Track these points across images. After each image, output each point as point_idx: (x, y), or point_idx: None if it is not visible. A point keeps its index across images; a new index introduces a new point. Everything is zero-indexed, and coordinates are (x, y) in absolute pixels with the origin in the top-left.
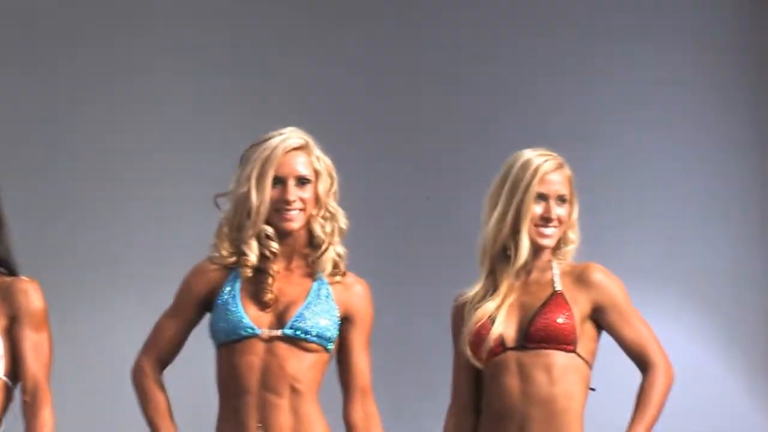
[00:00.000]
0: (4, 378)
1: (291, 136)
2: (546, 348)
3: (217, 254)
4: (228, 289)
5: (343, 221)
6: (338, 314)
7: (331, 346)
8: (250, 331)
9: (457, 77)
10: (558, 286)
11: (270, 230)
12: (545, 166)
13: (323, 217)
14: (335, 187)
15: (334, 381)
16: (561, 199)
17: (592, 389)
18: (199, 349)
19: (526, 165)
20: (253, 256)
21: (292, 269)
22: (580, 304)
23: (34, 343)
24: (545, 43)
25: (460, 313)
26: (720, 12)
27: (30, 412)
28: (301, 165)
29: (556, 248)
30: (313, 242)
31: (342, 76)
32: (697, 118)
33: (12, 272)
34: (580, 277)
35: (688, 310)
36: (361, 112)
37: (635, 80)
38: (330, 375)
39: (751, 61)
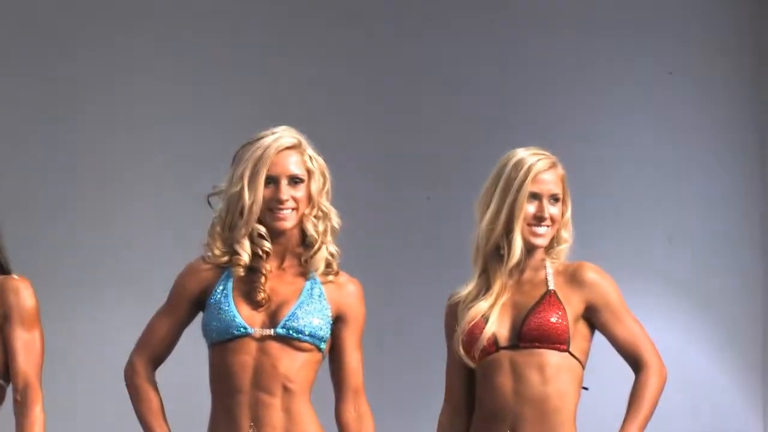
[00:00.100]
0: None
1: (283, 135)
2: (539, 347)
3: (209, 253)
4: (221, 288)
5: (335, 220)
6: (331, 314)
7: (324, 346)
8: (242, 330)
9: (457, 77)
10: (551, 286)
11: (263, 229)
12: (538, 165)
13: (316, 217)
14: (328, 186)
15: (326, 381)
16: (554, 198)
17: (585, 388)
18: (192, 349)
19: (518, 164)
20: (245, 255)
21: (285, 268)
22: (573, 304)
23: (25, 342)
24: (545, 43)
25: (453, 313)
26: (720, 12)
27: (21, 410)
28: (293, 164)
29: (549, 247)
30: (305, 241)
31: (342, 76)
32: (698, 117)
33: (4, 271)
34: (573, 277)
35: (682, 309)
36: (361, 112)
37: (635, 79)
38: (322, 374)
39: (751, 60)
